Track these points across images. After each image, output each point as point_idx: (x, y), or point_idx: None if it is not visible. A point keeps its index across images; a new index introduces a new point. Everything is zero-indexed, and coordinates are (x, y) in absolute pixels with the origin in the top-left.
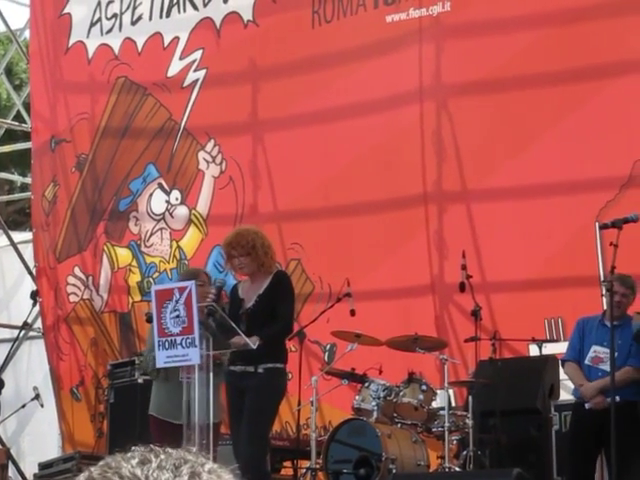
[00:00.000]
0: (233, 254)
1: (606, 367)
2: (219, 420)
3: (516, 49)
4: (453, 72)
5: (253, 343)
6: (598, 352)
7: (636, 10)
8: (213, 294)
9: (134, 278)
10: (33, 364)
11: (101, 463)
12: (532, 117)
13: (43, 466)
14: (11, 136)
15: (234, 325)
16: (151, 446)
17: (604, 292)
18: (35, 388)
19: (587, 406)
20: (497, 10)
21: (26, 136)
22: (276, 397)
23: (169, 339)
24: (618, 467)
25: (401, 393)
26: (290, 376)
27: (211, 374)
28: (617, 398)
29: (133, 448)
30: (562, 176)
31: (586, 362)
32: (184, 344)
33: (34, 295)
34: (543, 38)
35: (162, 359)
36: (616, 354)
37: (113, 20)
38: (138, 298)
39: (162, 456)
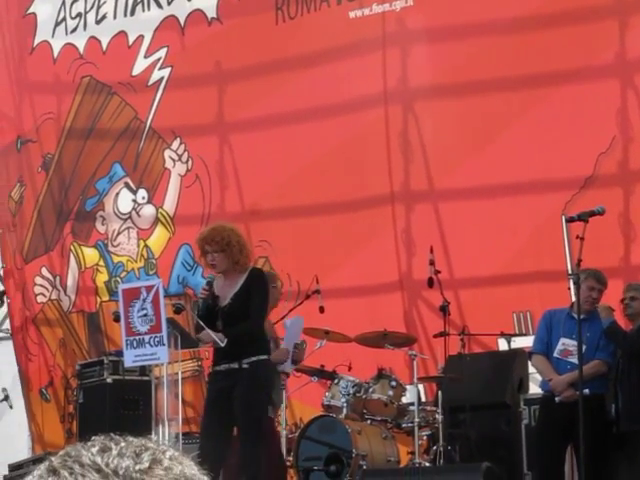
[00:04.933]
0: (207, 249)
1: (575, 360)
2: None
3: (481, 50)
4: (417, 75)
5: (221, 341)
6: (567, 345)
7: (598, 16)
8: (205, 289)
9: (101, 278)
10: (2, 365)
11: (61, 453)
12: (496, 116)
13: (13, 467)
14: None
15: (202, 323)
16: (111, 435)
17: (571, 285)
18: (4, 390)
19: (557, 399)
20: (459, 11)
21: None
22: (265, 389)
23: (137, 338)
24: (587, 460)
25: (370, 389)
26: None
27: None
28: (586, 391)
29: (93, 438)
30: (527, 172)
31: (555, 355)
32: (152, 343)
33: (2, 296)
34: (506, 41)
35: (130, 358)
36: (584, 347)
37: (78, 19)
38: (106, 298)
39: (122, 444)
